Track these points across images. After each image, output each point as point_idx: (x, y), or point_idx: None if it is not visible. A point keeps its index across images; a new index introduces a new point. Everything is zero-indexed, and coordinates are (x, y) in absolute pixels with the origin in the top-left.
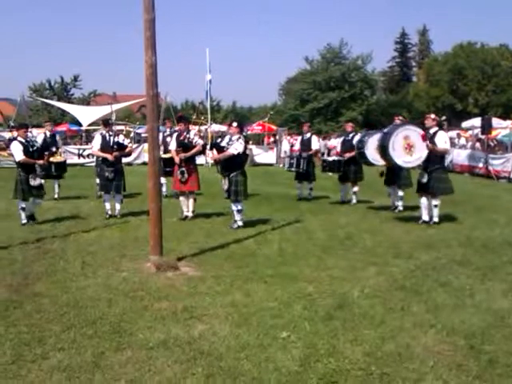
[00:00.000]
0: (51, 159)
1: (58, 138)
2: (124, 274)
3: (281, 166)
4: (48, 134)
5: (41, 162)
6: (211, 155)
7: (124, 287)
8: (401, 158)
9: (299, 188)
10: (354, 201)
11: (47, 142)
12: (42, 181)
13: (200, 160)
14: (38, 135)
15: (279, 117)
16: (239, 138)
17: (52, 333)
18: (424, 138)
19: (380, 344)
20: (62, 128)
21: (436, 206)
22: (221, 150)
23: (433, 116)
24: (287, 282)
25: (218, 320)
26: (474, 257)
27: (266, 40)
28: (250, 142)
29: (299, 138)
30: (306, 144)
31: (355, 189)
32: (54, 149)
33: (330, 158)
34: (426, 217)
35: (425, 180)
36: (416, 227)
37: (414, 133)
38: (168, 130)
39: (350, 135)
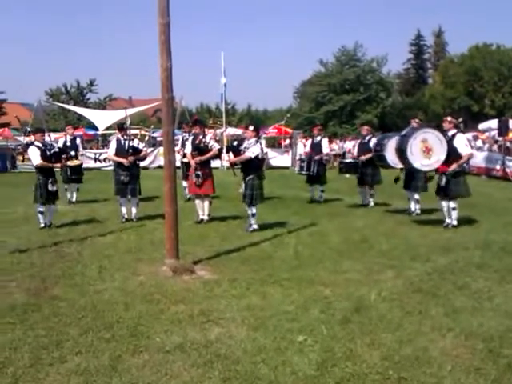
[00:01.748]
0: (68, 163)
1: (78, 141)
2: (140, 278)
3: (296, 168)
4: (69, 137)
5: (58, 165)
6: (227, 158)
7: (141, 291)
8: (419, 162)
9: (311, 191)
10: (372, 203)
11: (67, 146)
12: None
13: (215, 163)
14: (59, 139)
15: (294, 120)
16: (256, 141)
17: (70, 336)
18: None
19: (397, 348)
20: (79, 132)
21: (454, 208)
22: (237, 153)
23: (449, 119)
24: (303, 286)
25: (235, 323)
26: (492, 260)
27: (280, 43)
28: (265, 145)
29: (310, 140)
30: (316, 147)
31: (372, 191)
32: (73, 153)
33: (347, 160)
34: (449, 220)
35: (443, 183)
36: (433, 230)
37: (432, 135)
38: (187, 134)
39: (367, 138)
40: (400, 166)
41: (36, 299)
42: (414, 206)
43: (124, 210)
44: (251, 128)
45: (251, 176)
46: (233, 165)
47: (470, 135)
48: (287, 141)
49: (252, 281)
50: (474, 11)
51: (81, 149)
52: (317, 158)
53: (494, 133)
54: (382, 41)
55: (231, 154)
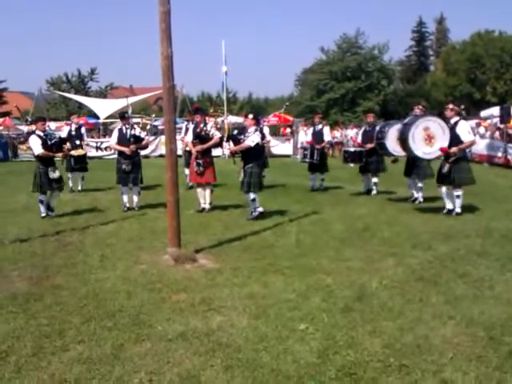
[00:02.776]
0: (72, 153)
1: (83, 130)
2: (142, 267)
3: (297, 157)
4: (74, 126)
5: (60, 154)
6: (228, 147)
7: (142, 279)
8: (420, 150)
9: (312, 179)
10: (375, 191)
11: (72, 135)
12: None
13: (217, 151)
14: (64, 128)
15: (296, 108)
16: (256, 129)
17: (72, 325)
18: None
19: (399, 336)
20: (80, 121)
21: (458, 196)
22: (237, 141)
23: (451, 106)
24: (305, 274)
25: (236, 312)
26: (494, 247)
27: (281, 31)
28: (269, 133)
29: (311, 129)
30: (318, 135)
31: (375, 180)
32: (78, 141)
33: (352, 149)
34: (450, 205)
35: (445, 170)
36: (434, 218)
37: (434, 123)
38: (190, 122)
39: (372, 126)
40: (401, 153)
41: (38, 288)
42: (416, 194)
43: (125, 198)
44: (251, 116)
45: (251, 164)
46: (233, 153)
47: (472, 122)
48: (288, 129)
49: (254, 269)
50: None
51: (86, 137)
52: (318, 146)
53: (496, 120)
54: (383, 28)
55: (231, 142)
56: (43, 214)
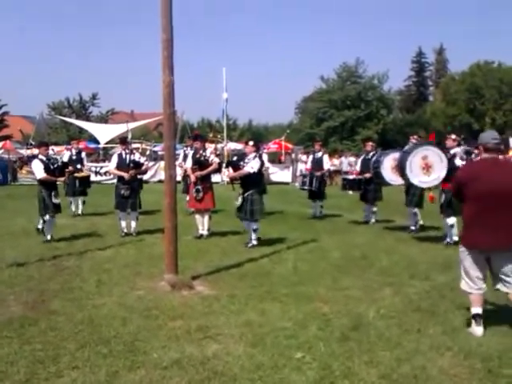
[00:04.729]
0: (76, 175)
1: (83, 155)
2: (139, 293)
3: (296, 184)
4: (74, 151)
5: (62, 179)
6: (227, 173)
7: (139, 306)
8: (417, 178)
9: (314, 207)
10: (373, 220)
11: (73, 160)
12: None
13: (216, 178)
14: (65, 153)
15: (295, 135)
16: (255, 156)
17: (67, 351)
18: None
19: (396, 366)
20: (80, 146)
21: (452, 225)
22: (237, 168)
23: (453, 136)
24: (302, 302)
25: (233, 340)
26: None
27: (282, 59)
28: (268, 160)
29: (311, 156)
30: (317, 163)
31: (374, 209)
32: (78, 166)
33: (350, 177)
34: (449, 238)
35: (442, 200)
36: (432, 247)
37: (432, 152)
38: (188, 148)
39: (370, 154)
40: (398, 182)
41: (33, 313)
42: (411, 222)
43: (123, 224)
44: (251, 143)
45: (251, 191)
46: (232, 180)
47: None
48: (286, 156)
49: (251, 297)
50: (476, 29)
51: (86, 162)
52: (318, 174)
53: None
54: (383, 58)
55: (231, 168)
56: (48, 238)
